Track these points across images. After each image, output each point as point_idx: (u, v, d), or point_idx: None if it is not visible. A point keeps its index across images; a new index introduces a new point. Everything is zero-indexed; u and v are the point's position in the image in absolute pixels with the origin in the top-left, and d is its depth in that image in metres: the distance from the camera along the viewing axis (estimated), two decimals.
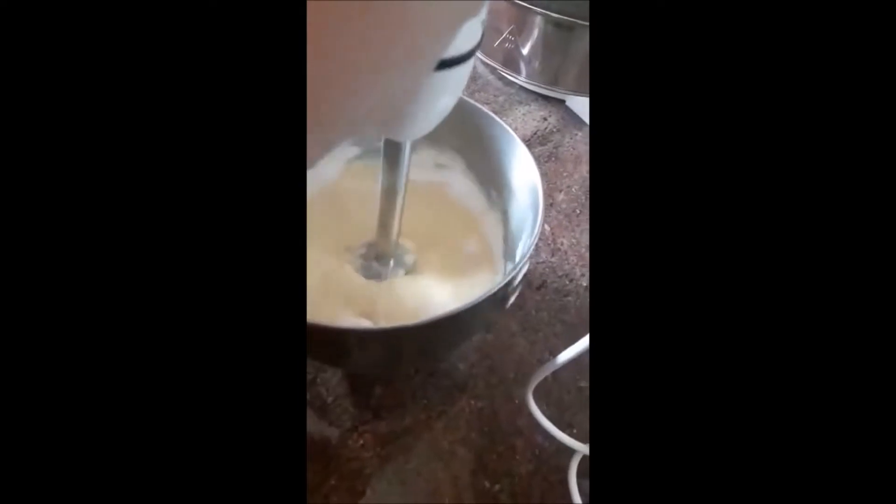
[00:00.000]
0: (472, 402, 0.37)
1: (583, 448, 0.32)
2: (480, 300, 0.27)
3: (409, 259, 0.37)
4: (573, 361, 0.29)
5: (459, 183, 0.42)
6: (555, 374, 0.32)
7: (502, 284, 0.28)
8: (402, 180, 0.30)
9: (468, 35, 0.21)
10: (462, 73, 0.22)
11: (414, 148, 0.29)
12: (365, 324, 0.34)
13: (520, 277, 0.30)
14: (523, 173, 0.36)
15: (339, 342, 0.29)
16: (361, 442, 0.34)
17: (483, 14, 0.22)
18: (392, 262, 0.36)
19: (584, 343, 0.26)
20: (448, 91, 0.23)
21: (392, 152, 0.28)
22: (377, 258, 0.36)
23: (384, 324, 0.34)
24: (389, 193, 0.31)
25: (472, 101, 0.38)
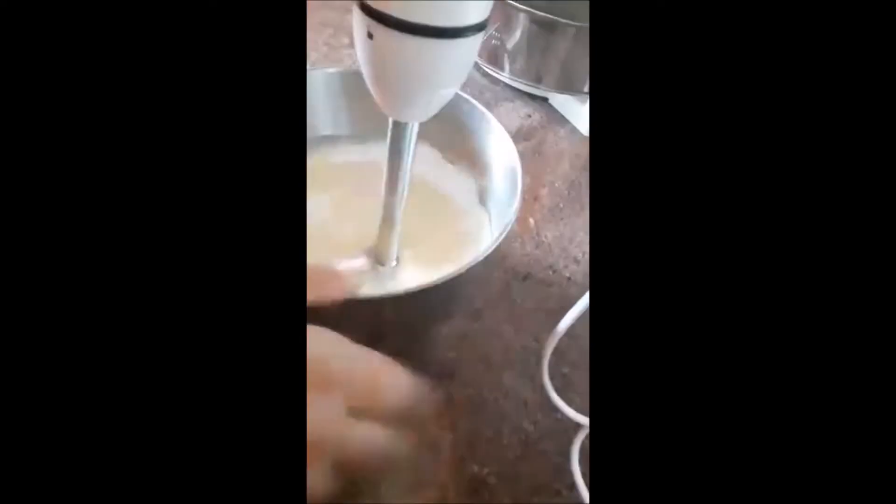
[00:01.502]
0: (461, 388, 0.37)
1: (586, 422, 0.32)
2: (446, 278, 0.28)
3: (406, 253, 0.36)
4: (554, 350, 0.30)
5: (445, 173, 0.43)
6: (538, 361, 0.33)
7: (478, 260, 0.30)
8: (407, 167, 0.29)
9: (473, 7, 0.21)
10: (464, 48, 0.22)
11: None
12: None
13: (492, 249, 0.30)
14: (504, 160, 0.37)
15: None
16: None
17: None
18: (396, 261, 0.35)
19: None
20: (450, 67, 0.23)
21: (398, 135, 0.28)
22: (379, 261, 0.35)
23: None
24: (393, 183, 0.30)
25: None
